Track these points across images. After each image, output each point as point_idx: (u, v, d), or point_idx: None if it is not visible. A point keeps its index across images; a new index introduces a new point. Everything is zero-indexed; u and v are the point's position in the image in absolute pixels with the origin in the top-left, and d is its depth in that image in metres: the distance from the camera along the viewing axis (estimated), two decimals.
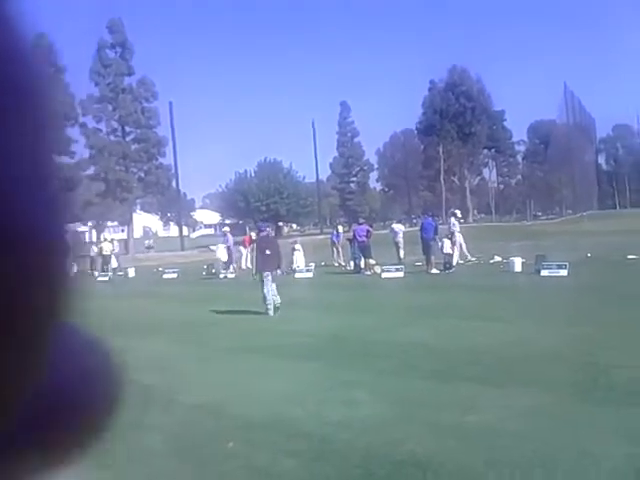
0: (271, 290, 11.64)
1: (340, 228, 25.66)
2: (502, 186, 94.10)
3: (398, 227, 23.77)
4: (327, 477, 3.89)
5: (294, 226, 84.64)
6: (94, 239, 57.79)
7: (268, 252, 11.73)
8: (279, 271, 12.10)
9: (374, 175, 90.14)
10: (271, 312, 11.59)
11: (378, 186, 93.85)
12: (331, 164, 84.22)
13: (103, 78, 52.63)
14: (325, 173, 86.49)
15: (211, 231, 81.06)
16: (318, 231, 63.74)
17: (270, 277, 11.64)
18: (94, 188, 53.29)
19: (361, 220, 23.12)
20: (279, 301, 11.72)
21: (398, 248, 22.68)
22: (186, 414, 5.56)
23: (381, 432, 4.66)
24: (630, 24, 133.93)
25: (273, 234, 19.50)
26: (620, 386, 5.47)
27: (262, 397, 5.94)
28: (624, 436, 4.24)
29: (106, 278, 26.07)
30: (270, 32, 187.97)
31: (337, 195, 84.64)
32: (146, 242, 58.01)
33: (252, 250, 12.13)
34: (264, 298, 11.59)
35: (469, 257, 20.98)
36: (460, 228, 19.55)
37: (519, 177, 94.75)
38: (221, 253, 22.97)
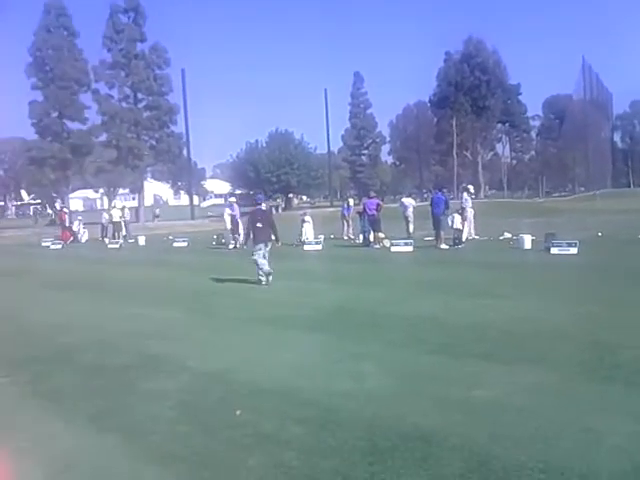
0: (263, 260, 11.94)
1: (351, 201, 25.59)
2: (515, 162, 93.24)
3: (408, 201, 23.66)
4: (332, 446, 3.96)
5: (304, 198, 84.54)
6: (105, 206, 58.17)
7: (260, 225, 11.98)
8: (276, 243, 12.35)
9: (386, 148, 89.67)
10: (264, 281, 11.92)
11: (389, 159, 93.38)
12: (343, 136, 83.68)
13: (116, 44, 52.25)
14: (337, 145, 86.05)
15: (221, 201, 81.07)
16: (328, 203, 63.58)
17: (263, 247, 11.93)
18: (106, 155, 53.39)
19: (372, 193, 22.98)
20: (270, 271, 11.96)
21: (408, 222, 22.64)
22: (196, 380, 5.66)
23: (387, 404, 4.72)
24: None
25: (269, 207, 19.67)
26: (626, 365, 5.49)
27: (271, 367, 6.02)
28: (629, 414, 4.28)
29: (117, 245, 26.27)
30: (285, 1, 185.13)
31: (348, 167, 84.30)
32: (156, 210, 58.06)
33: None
34: (258, 269, 11.92)
35: (473, 235, 20.88)
36: (472, 204, 19.39)
37: (532, 153, 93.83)
38: (227, 221, 22.99)
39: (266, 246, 12.03)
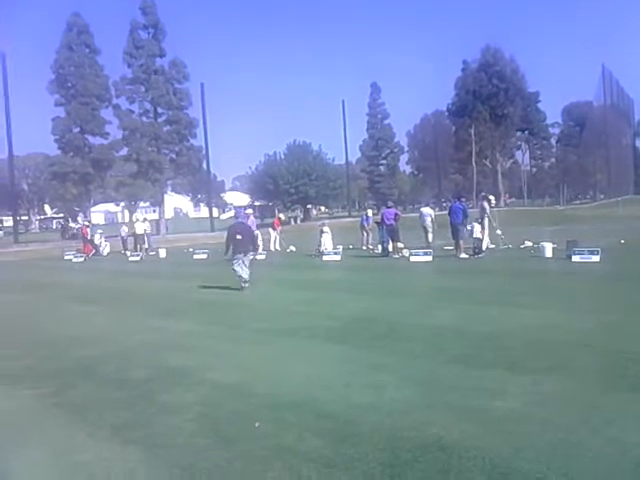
0: (242, 269, 13.30)
1: (369, 212, 25.59)
2: (535, 169, 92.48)
3: (427, 211, 23.59)
4: (353, 458, 3.94)
5: (322, 208, 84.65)
6: (126, 220, 58.81)
7: (239, 237, 13.36)
8: (251, 254, 13.91)
9: (404, 158, 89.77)
10: (244, 285, 13.25)
11: (408, 169, 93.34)
12: (361, 146, 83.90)
13: (136, 59, 53.14)
14: (355, 155, 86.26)
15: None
16: (346, 214, 63.58)
17: (241, 257, 13.34)
18: (127, 169, 54.14)
19: (389, 203, 22.94)
20: (247, 279, 13.32)
21: (427, 232, 22.58)
22: (215, 393, 5.68)
23: (407, 415, 4.69)
24: None
25: (252, 220, 21.72)
26: None
27: (289, 378, 6.02)
28: None
29: (138, 258, 26.54)
30: (302, 13, 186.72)
31: (366, 178, 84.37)
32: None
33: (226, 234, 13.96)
34: (238, 277, 13.30)
35: (489, 244, 20.65)
36: (490, 213, 19.23)
37: (552, 160, 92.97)
38: None
39: (245, 256, 13.38)
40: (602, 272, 13.34)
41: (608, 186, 63.43)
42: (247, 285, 13.28)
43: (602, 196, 65.27)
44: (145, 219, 32.99)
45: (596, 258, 14.99)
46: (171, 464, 4.09)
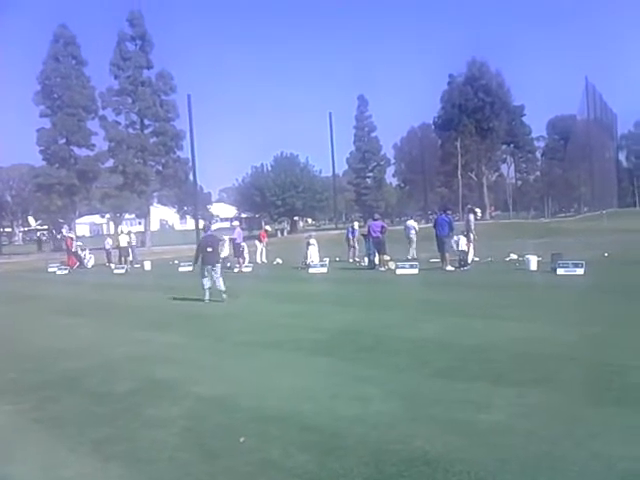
0: (210, 280, 13.74)
1: (356, 224, 25.65)
2: (520, 182, 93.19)
3: (411, 224, 23.87)
4: (338, 473, 3.91)
5: (309, 220, 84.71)
6: (111, 231, 58.43)
7: (209, 249, 13.80)
8: (219, 266, 14.19)
9: (391, 170, 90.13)
10: (206, 299, 13.60)
11: (394, 181, 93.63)
12: (348, 159, 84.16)
13: (123, 71, 53.05)
14: (342, 168, 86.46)
15: (227, 224, 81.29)
16: (333, 226, 63.63)
17: (210, 269, 13.73)
18: (112, 180, 53.85)
19: (376, 216, 23.01)
20: (224, 289, 13.64)
21: (411, 244, 22.80)
22: (200, 406, 5.63)
23: (392, 429, 4.68)
24: None
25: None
26: (635, 387, 5.43)
27: (275, 391, 5.98)
28: (637, 438, 4.21)
29: (123, 271, 26.32)
30: (289, 25, 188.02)
31: (353, 190, 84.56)
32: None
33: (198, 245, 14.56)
34: (202, 288, 13.73)
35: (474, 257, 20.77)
36: (475, 226, 19.33)
37: (537, 173, 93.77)
38: (226, 247, 22.94)
39: (213, 267, 13.76)
40: (586, 285, 13.45)
41: (592, 199, 64.05)
42: (225, 296, 13.51)
43: (586, 209, 65.84)
44: (129, 231, 32.74)
45: (580, 271, 15.11)
46: (153, 479, 4.04)
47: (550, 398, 5.25)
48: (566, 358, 6.63)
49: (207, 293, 13.65)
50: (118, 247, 30.52)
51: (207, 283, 13.74)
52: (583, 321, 8.89)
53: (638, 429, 4.39)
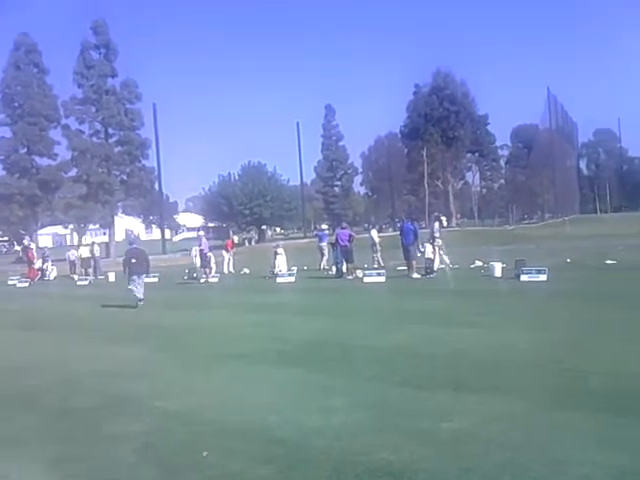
0: (136, 288, 15.10)
1: (324, 226, 25.85)
2: (485, 190, 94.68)
3: (373, 233, 24.38)
4: None
5: (278, 229, 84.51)
6: (75, 242, 57.28)
7: (134, 260, 15.30)
8: (145, 276, 16.00)
9: (358, 179, 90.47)
10: (139, 303, 14.96)
11: (362, 190, 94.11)
12: (315, 167, 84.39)
13: (86, 80, 52.16)
14: (310, 176, 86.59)
15: (194, 234, 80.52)
16: (302, 235, 63.61)
17: (136, 279, 15.22)
18: (76, 190, 52.78)
19: (344, 224, 23.16)
20: (141, 298, 15.06)
21: (374, 254, 23.24)
22: (162, 421, 5.51)
23: (357, 439, 4.65)
24: (612, 30, 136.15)
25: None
26: (595, 392, 5.51)
27: (239, 404, 5.91)
28: (596, 442, 4.27)
29: (86, 282, 25.82)
30: (255, 35, 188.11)
31: (321, 199, 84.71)
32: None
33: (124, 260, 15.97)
34: (131, 292, 15.09)
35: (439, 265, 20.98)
36: (440, 234, 19.57)
37: (502, 181, 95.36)
38: (197, 259, 22.84)
39: (139, 277, 15.29)
40: (549, 291, 13.69)
41: (555, 206, 65.55)
42: (142, 303, 14.95)
43: (549, 216, 67.32)
44: (93, 242, 32.19)
45: (543, 277, 15.38)
46: None
47: (513, 404, 5.30)
48: (528, 364, 6.72)
49: (137, 299, 15.03)
50: (80, 258, 29.95)
51: (135, 290, 15.13)
52: (545, 327, 9.03)
53: (597, 434, 4.45)
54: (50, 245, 74.64)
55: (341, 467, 4.11)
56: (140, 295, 15.05)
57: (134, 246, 16.11)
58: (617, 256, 20.93)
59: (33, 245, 35.72)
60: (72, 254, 31.61)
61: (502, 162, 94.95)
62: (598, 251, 23.71)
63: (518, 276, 15.89)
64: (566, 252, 23.93)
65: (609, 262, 19.32)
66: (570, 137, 76.60)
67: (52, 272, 31.36)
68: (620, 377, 6.00)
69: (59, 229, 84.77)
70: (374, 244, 23.52)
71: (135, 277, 15.17)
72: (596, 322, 9.28)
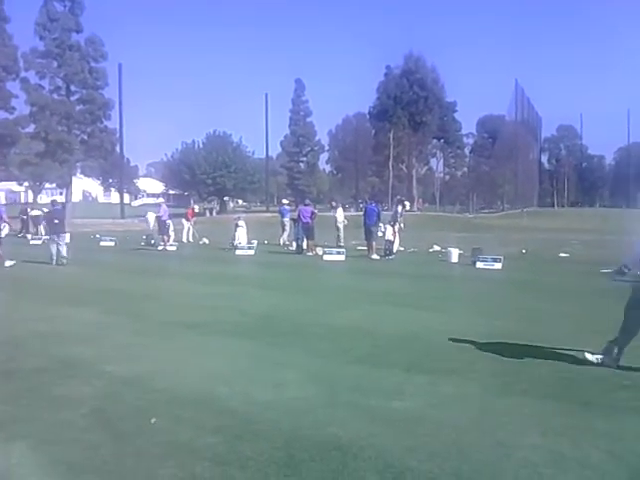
0: (56, 248, 16.23)
1: (284, 201, 25.70)
2: (448, 177, 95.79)
3: (339, 212, 24.17)
4: (247, 457, 3.88)
5: (240, 202, 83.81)
6: (30, 200, 55.64)
7: (56, 221, 16.61)
8: (66, 235, 17.29)
9: (324, 157, 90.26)
10: (54, 263, 16.06)
11: (327, 168, 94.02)
12: (282, 142, 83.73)
13: (49, 32, 50.24)
14: (275, 151, 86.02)
15: (154, 200, 79.19)
16: (264, 208, 63.28)
17: (56, 238, 16.37)
18: (33, 147, 51.11)
19: (307, 201, 23.12)
20: (65, 256, 16.26)
21: (338, 232, 23.13)
22: (112, 386, 5.45)
23: (307, 414, 4.69)
24: (580, 27, 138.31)
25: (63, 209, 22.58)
26: (541, 379, 5.67)
27: (191, 373, 5.88)
28: (537, 426, 4.41)
29: (39, 242, 25.16)
30: (228, 4, 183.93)
31: (286, 174, 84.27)
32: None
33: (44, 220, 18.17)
34: (50, 254, 16.24)
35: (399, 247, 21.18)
36: (402, 218, 19.75)
37: (465, 169, 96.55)
38: (152, 223, 22.54)
39: (58, 237, 16.38)
40: (503, 279, 14.00)
41: (514, 197, 66.74)
42: (65, 262, 16.02)
43: (508, 206, 68.51)
44: (54, 200, 31.27)
45: (498, 265, 15.73)
46: (57, 461, 3.88)
47: (462, 387, 5.42)
48: (478, 349, 6.86)
49: (54, 258, 16.12)
50: (33, 217, 29.13)
51: (54, 249, 16.22)
52: (496, 314, 9.22)
53: (538, 418, 4.59)
54: (3, 201, 72.36)
55: (290, 441, 4.14)
56: (64, 253, 16.20)
57: (56, 207, 17.52)
58: (571, 250, 21.53)
59: None
60: (27, 212, 30.69)
61: (467, 150, 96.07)
62: (553, 244, 24.33)
63: (474, 263, 16.20)
64: (522, 243, 24.47)
65: (563, 255, 19.85)
66: (534, 131, 77.88)
67: (3, 230, 30.35)
68: (560, 366, 6.17)
69: (14, 185, 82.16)
70: (338, 222, 23.39)
71: (55, 237, 16.43)
72: (544, 311, 9.50)
